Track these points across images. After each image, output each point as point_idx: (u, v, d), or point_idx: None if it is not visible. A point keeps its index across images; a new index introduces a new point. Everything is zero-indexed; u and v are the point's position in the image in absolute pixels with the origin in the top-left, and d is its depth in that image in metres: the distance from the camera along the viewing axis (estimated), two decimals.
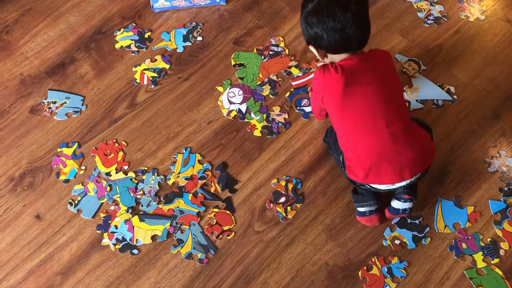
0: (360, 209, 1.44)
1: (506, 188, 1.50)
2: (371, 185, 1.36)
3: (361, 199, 1.43)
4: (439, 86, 1.66)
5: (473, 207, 1.48)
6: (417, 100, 1.64)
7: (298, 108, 1.64)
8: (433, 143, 1.38)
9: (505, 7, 1.80)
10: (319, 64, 1.56)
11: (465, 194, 1.50)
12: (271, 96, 1.68)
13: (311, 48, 1.31)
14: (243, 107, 1.66)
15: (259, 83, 1.70)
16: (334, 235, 1.47)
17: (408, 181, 1.33)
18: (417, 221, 1.46)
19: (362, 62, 1.26)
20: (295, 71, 1.71)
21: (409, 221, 1.46)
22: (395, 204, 1.41)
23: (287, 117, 1.64)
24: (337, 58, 1.29)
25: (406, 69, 1.69)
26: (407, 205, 1.41)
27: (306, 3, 1.26)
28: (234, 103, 1.67)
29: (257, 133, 1.62)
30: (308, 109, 1.64)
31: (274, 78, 1.70)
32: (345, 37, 1.22)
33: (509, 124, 1.60)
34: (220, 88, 1.70)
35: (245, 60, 1.74)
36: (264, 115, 1.65)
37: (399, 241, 1.44)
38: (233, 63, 1.74)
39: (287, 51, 1.75)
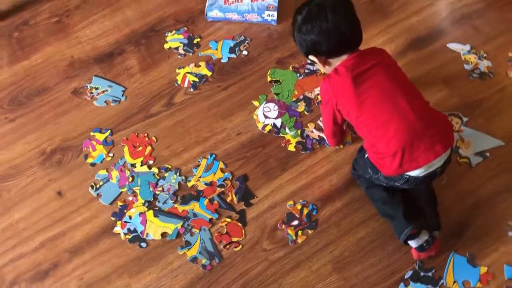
0: (414, 244, 1.41)
1: None
2: (409, 174, 1.32)
3: (398, 225, 1.40)
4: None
5: (486, 268, 1.44)
6: (475, 154, 1.62)
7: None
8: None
9: None
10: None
11: (480, 253, 1.47)
12: (306, 113, 1.71)
13: (311, 58, 1.37)
14: (278, 122, 1.69)
15: (294, 99, 1.73)
16: (340, 268, 1.46)
17: (443, 158, 1.30)
18: (430, 273, 1.43)
19: (363, 57, 1.32)
20: None
21: (422, 274, 1.43)
22: (413, 243, 1.40)
23: (321, 134, 1.65)
24: (337, 61, 1.35)
25: None
26: (424, 237, 1.39)
27: (295, 17, 1.35)
28: (269, 118, 1.70)
29: (291, 148, 1.64)
30: None
31: (309, 95, 1.73)
32: (340, 35, 1.30)
33: None
34: (255, 103, 1.73)
35: (281, 77, 1.78)
36: (299, 131, 1.67)
37: None
38: (269, 79, 1.77)
39: (322, 71, 1.78)
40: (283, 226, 1.52)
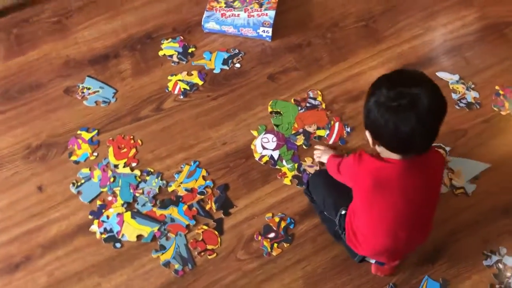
0: (372, 260, 1.42)
1: (497, 287, 1.45)
2: None
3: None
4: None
5: None
6: (468, 182, 1.63)
7: None
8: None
9: None
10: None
11: (454, 280, 1.46)
12: (304, 146, 1.69)
13: (367, 132, 1.18)
14: (276, 154, 1.67)
15: (293, 132, 1.72)
16: (311, 284, 1.45)
17: None
18: None
19: (407, 169, 1.16)
20: (322, 132, 1.72)
21: None
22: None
23: (318, 169, 1.63)
24: (387, 154, 1.17)
25: None
26: None
27: (382, 87, 1.09)
28: (267, 149, 1.68)
29: (287, 181, 1.62)
30: None
31: (309, 129, 1.72)
32: (408, 144, 1.11)
33: None
34: (254, 132, 1.72)
35: (282, 109, 1.77)
36: (296, 165, 1.65)
37: None
38: (269, 110, 1.76)
39: (323, 106, 1.78)
40: (260, 238, 1.52)
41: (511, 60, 1.90)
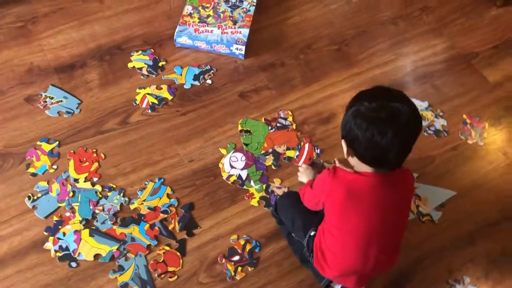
0: (338, 286, 1.39)
1: None
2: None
3: (319, 273, 1.37)
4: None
5: None
6: (435, 209, 1.63)
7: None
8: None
9: (505, 140, 1.83)
10: (335, 165, 1.48)
11: None
12: (273, 167, 1.66)
13: (343, 142, 1.18)
14: (244, 174, 1.63)
15: (263, 152, 1.68)
16: None
17: None
18: None
19: (380, 182, 1.17)
20: (292, 153, 1.70)
21: None
22: (337, 285, 1.39)
23: (287, 191, 1.60)
24: (360, 167, 1.18)
25: None
26: None
27: (362, 99, 1.12)
28: (235, 168, 1.64)
29: (254, 202, 1.57)
30: None
31: (279, 150, 1.69)
32: (382, 157, 1.11)
33: (481, 251, 1.56)
34: (223, 151, 1.67)
35: (252, 128, 1.73)
36: (264, 186, 1.61)
37: None
38: (239, 128, 1.73)
39: (294, 126, 1.76)
40: (223, 261, 1.47)
41: (477, 90, 1.93)
